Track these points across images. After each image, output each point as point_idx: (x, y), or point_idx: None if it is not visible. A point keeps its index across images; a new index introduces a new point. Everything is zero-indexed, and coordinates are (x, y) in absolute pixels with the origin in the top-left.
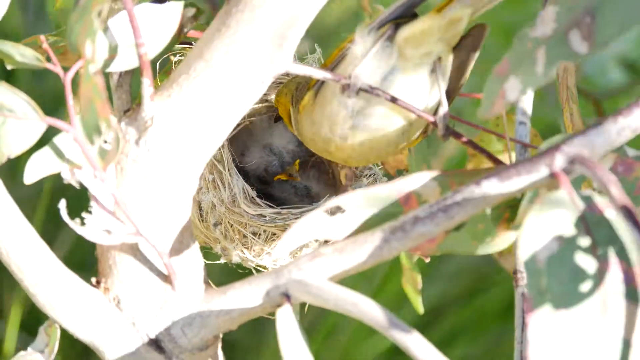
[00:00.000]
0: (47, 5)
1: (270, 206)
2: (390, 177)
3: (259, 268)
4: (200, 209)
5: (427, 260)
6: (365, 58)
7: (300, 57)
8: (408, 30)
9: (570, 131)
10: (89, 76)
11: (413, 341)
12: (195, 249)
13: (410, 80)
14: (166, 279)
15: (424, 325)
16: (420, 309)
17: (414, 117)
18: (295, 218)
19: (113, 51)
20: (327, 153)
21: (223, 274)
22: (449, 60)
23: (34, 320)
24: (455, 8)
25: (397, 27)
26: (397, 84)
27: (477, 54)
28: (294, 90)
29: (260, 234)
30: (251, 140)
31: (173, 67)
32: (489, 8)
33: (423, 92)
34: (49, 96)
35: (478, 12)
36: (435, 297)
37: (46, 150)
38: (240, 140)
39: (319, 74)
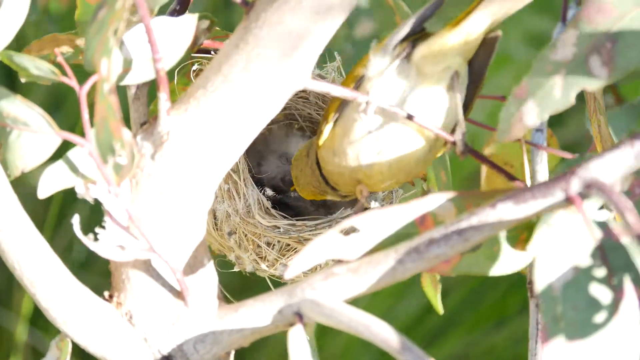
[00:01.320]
0: (50, 4)
1: (285, 217)
2: (407, 187)
3: (273, 277)
4: (215, 217)
5: None
6: (383, 78)
7: (319, 66)
8: (426, 48)
9: (598, 142)
10: (104, 95)
11: None
12: (209, 265)
13: (429, 97)
14: (179, 294)
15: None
16: (440, 309)
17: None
18: (310, 230)
19: (129, 64)
20: (357, 183)
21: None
22: (466, 72)
23: (43, 314)
24: (473, 21)
25: (414, 44)
26: (416, 102)
27: (489, 65)
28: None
29: (274, 245)
30: (268, 149)
31: (191, 73)
32: (506, 17)
33: (442, 108)
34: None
35: (496, 23)
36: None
37: (60, 164)
38: (257, 149)
39: (337, 91)
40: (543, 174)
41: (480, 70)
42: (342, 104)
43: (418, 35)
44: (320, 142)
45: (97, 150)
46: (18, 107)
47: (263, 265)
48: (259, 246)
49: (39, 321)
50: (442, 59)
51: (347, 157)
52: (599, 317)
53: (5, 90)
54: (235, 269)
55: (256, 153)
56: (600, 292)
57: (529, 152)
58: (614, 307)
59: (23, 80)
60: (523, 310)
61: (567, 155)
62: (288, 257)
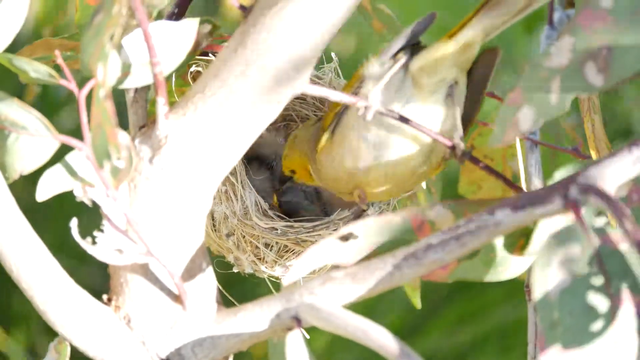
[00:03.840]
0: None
1: (282, 218)
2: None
3: (271, 278)
4: (213, 218)
5: None
6: (380, 88)
7: (316, 67)
8: (422, 60)
9: (591, 142)
10: (100, 101)
11: None
12: (207, 269)
13: (426, 107)
14: (177, 298)
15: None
16: (418, 304)
17: (435, 144)
18: (307, 232)
19: (127, 68)
20: (352, 190)
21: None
22: (464, 82)
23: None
24: (468, 33)
25: (411, 54)
26: (413, 113)
27: (489, 82)
28: (305, 144)
29: (272, 246)
30: (264, 151)
31: (189, 75)
32: (501, 31)
33: (439, 118)
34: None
35: (490, 36)
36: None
37: (59, 167)
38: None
39: (335, 95)
40: (538, 175)
41: (480, 84)
42: (340, 112)
43: (415, 48)
44: (319, 149)
45: (93, 154)
46: (16, 111)
47: (262, 267)
48: (257, 247)
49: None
50: (438, 71)
51: (345, 162)
52: (596, 325)
53: (3, 94)
54: (234, 270)
55: (253, 155)
56: (598, 300)
57: (523, 148)
58: (611, 315)
59: (23, 82)
60: (505, 303)
61: (562, 150)
62: (286, 259)
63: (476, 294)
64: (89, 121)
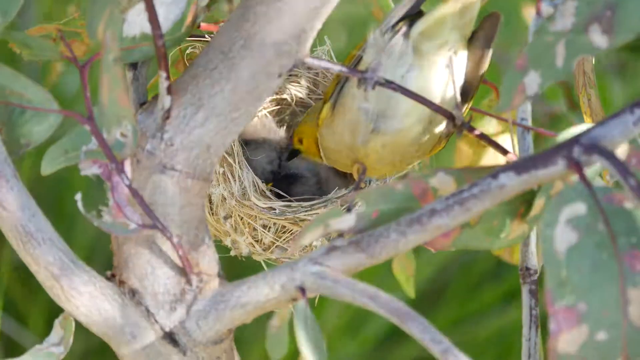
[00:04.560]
0: None
1: (280, 197)
2: None
3: (268, 262)
4: (210, 202)
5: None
6: (381, 57)
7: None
8: (423, 23)
9: (587, 116)
10: (109, 66)
11: (430, 335)
12: (210, 243)
13: (427, 76)
14: (181, 272)
15: None
16: (412, 293)
17: (433, 115)
18: (306, 211)
19: (130, 42)
20: (352, 162)
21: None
22: (464, 52)
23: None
24: None
25: (411, 24)
26: (414, 82)
27: (491, 48)
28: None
29: (270, 227)
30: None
31: (184, 58)
32: None
33: (439, 87)
34: None
35: None
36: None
37: (64, 142)
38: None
39: (335, 68)
40: None
41: (482, 52)
42: (342, 82)
43: (413, 17)
44: (320, 121)
45: (103, 121)
46: (23, 85)
47: (259, 249)
48: (254, 229)
49: (14, 311)
50: (439, 33)
51: (344, 136)
52: (604, 282)
53: (9, 69)
54: (232, 254)
55: (250, 138)
56: (604, 257)
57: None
58: (618, 272)
59: (25, 58)
60: (503, 301)
61: (553, 135)
62: (284, 240)
63: (474, 295)
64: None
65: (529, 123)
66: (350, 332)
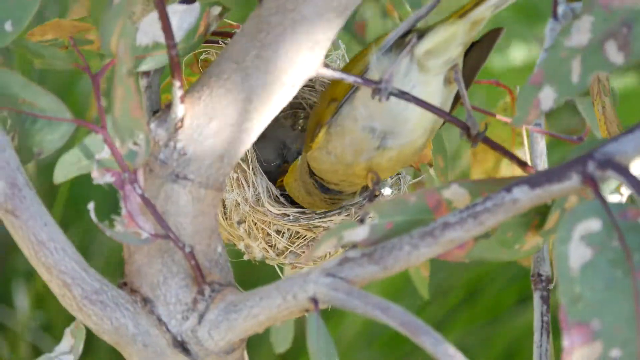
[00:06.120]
0: None
1: (294, 204)
2: (414, 172)
3: (282, 266)
4: (224, 207)
5: None
6: (390, 72)
7: None
8: (430, 41)
9: (602, 125)
10: (122, 77)
11: (443, 349)
12: (223, 252)
13: (433, 91)
14: (193, 281)
15: None
16: (426, 294)
17: (436, 123)
18: (320, 218)
19: (143, 51)
20: (352, 176)
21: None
22: (462, 62)
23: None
24: (480, 10)
25: (413, 39)
26: (420, 96)
27: (488, 56)
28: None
29: (284, 233)
30: (273, 138)
31: (198, 64)
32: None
33: (444, 99)
34: None
35: (499, 9)
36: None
37: (76, 151)
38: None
39: (349, 78)
40: (543, 166)
41: (477, 61)
42: (340, 104)
43: (414, 32)
44: (315, 145)
45: (115, 132)
46: (35, 94)
47: (272, 254)
48: (268, 234)
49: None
50: (446, 51)
51: (345, 156)
52: (618, 299)
53: (22, 78)
54: (245, 258)
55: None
56: (619, 273)
57: (528, 139)
58: (632, 288)
59: (38, 67)
60: (519, 305)
61: (568, 140)
62: (298, 245)
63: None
64: (109, 101)
65: (543, 127)
66: (367, 337)
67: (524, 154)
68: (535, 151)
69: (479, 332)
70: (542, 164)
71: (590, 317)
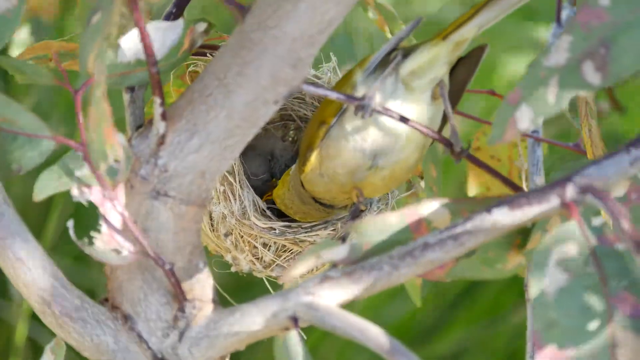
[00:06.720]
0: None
1: (280, 217)
2: (406, 184)
3: (270, 278)
4: (211, 218)
5: None
6: (376, 91)
7: (315, 66)
8: (414, 63)
9: (588, 147)
10: (97, 100)
11: None
12: (204, 269)
13: (419, 110)
14: (174, 298)
15: None
16: (418, 301)
17: (427, 140)
18: (305, 232)
19: (124, 68)
20: (346, 194)
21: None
22: (447, 78)
23: None
24: (464, 31)
25: (398, 59)
26: (407, 115)
27: (474, 75)
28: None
29: (270, 246)
30: (262, 150)
31: (187, 75)
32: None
33: (430, 117)
34: None
35: (482, 29)
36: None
37: (56, 168)
38: (251, 148)
39: (332, 95)
40: (539, 174)
41: (464, 78)
42: (330, 126)
43: (396, 52)
44: (307, 168)
45: (90, 154)
46: (14, 111)
47: (259, 266)
48: (255, 247)
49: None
50: (430, 71)
51: (337, 177)
52: (593, 325)
53: (2, 96)
54: (232, 270)
55: (250, 153)
56: (594, 300)
57: (524, 148)
58: (607, 315)
59: (19, 81)
60: (517, 307)
61: (564, 146)
62: (284, 259)
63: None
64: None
65: (540, 134)
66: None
67: (521, 163)
68: (532, 159)
69: (478, 332)
70: (538, 172)
71: (565, 343)
